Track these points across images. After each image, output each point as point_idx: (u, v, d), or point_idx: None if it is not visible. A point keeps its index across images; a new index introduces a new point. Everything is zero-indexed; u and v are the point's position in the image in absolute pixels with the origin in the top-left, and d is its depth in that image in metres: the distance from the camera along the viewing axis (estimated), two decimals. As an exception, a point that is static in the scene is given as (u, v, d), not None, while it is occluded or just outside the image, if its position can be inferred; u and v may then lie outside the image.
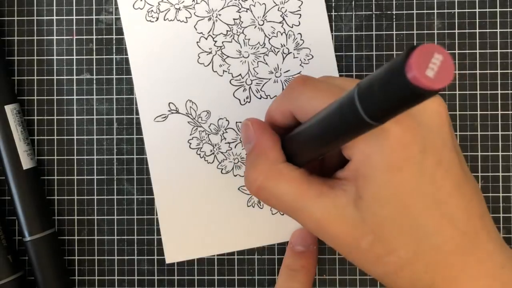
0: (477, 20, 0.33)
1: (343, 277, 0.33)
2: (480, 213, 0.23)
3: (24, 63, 0.33)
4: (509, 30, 0.33)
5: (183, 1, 0.33)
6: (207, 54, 0.33)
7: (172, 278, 0.33)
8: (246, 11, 0.32)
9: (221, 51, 0.33)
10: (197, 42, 0.33)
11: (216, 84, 0.33)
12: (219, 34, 0.33)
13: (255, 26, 0.33)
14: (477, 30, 0.33)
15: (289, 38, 0.32)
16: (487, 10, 0.33)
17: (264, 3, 0.32)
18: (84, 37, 0.33)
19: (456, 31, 0.33)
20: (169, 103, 0.33)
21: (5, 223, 0.33)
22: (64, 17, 0.33)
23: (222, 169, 0.33)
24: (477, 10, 0.33)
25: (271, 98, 0.33)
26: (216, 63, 0.33)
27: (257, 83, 0.33)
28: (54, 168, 0.33)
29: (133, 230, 0.33)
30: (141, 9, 0.33)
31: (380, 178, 0.21)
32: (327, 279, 0.33)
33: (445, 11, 0.33)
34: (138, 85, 0.33)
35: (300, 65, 0.33)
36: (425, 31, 0.33)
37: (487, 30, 0.33)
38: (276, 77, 0.32)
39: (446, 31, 0.33)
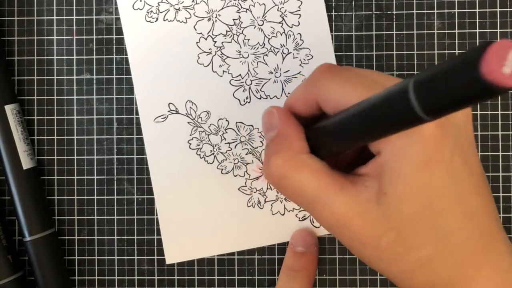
0: (477, 20, 0.33)
1: (343, 277, 0.33)
2: (495, 214, 0.23)
3: (24, 63, 0.33)
4: (509, 30, 0.33)
5: (183, 2, 0.33)
6: (207, 55, 0.33)
7: (172, 278, 0.33)
8: (246, 11, 0.32)
9: (221, 52, 0.33)
10: (197, 42, 0.33)
11: (216, 84, 0.33)
12: (219, 34, 0.33)
13: (255, 27, 0.33)
14: (477, 30, 0.33)
15: (288, 38, 0.32)
16: (487, 10, 0.33)
17: (263, 3, 0.32)
18: (84, 37, 0.33)
19: (456, 31, 0.33)
20: (169, 104, 0.33)
21: (5, 223, 0.33)
22: (64, 17, 0.33)
23: (222, 169, 0.33)
24: (477, 10, 0.33)
25: (270, 99, 0.33)
26: (215, 64, 0.33)
27: (257, 83, 0.33)
28: (54, 168, 0.33)
29: (133, 230, 0.33)
30: (141, 9, 0.33)
31: (409, 173, 0.21)
32: (327, 279, 0.33)
33: (445, 11, 0.33)
34: (138, 85, 0.33)
35: (300, 65, 0.33)
36: (425, 31, 0.33)
37: (487, 30, 0.33)
38: (276, 77, 0.32)
39: (446, 31, 0.33)
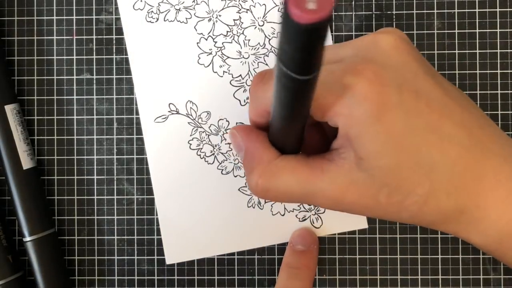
0: (477, 20, 0.33)
1: (343, 277, 0.33)
2: (479, 124, 0.23)
3: (24, 63, 0.33)
4: (509, 30, 0.33)
5: (183, 2, 0.33)
6: (207, 55, 0.33)
7: (172, 278, 0.33)
8: (246, 12, 0.32)
9: (221, 52, 0.33)
10: (197, 42, 0.33)
11: (216, 84, 0.33)
12: (219, 34, 0.33)
13: (255, 27, 0.32)
14: (477, 30, 0.33)
15: None
16: (487, 10, 0.33)
17: (264, 4, 0.32)
18: (84, 37, 0.33)
19: (456, 31, 0.33)
20: (169, 104, 0.33)
21: (5, 223, 0.33)
22: (64, 17, 0.33)
23: (222, 169, 0.33)
24: (477, 10, 0.33)
25: None
26: (216, 64, 0.33)
27: None
28: (54, 168, 0.33)
29: (133, 230, 0.33)
30: (141, 9, 0.33)
31: (369, 131, 0.21)
32: (327, 279, 0.33)
33: (445, 11, 0.33)
34: (138, 85, 0.33)
35: None
36: (425, 31, 0.33)
37: (487, 30, 0.33)
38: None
39: (446, 31, 0.33)
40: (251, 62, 0.33)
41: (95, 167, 0.33)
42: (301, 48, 0.16)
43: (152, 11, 0.33)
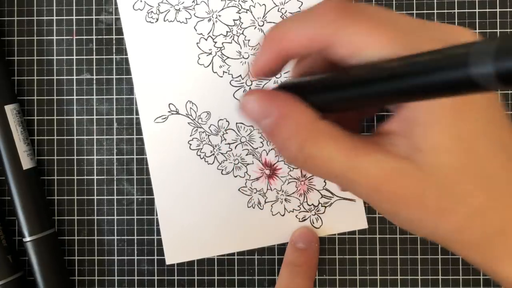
0: (477, 20, 0.33)
1: (343, 277, 0.33)
2: None
3: (24, 63, 0.33)
4: (509, 30, 0.33)
5: (183, 2, 0.32)
6: (207, 55, 0.33)
7: (172, 278, 0.33)
8: (246, 12, 0.32)
9: (221, 52, 0.33)
10: (197, 43, 0.33)
11: (216, 85, 0.33)
12: (219, 35, 0.33)
13: (255, 27, 0.32)
14: (477, 30, 0.33)
15: None
16: (487, 10, 0.33)
17: (264, 4, 0.32)
18: (84, 37, 0.33)
19: (456, 31, 0.33)
20: (169, 104, 0.33)
21: (5, 223, 0.33)
22: (64, 17, 0.33)
23: (222, 170, 0.33)
24: (477, 10, 0.33)
25: None
26: (216, 64, 0.33)
27: (257, 84, 0.33)
28: (54, 168, 0.33)
29: (133, 230, 0.33)
30: (141, 10, 0.32)
31: (444, 123, 0.19)
32: (327, 279, 0.33)
33: (445, 11, 0.33)
34: (138, 86, 0.33)
35: None
36: (425, 31, 0.33)
37: (487, 30, 0.33)
38: (277, 78, 0.32)
39: (446, 31, 0.33)
40: (251, 62, 0.33)
41: (95, 167, 0.33)
42: None
43: (152, 11, 0.33)
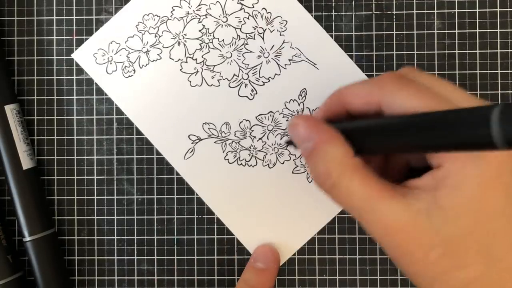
0: (477, 20, 0.33)
1: (343, 277, 0.33)
2: None
3: (24, 63, 0.33)
4: (509, 30, 0.33)
5: (147, 42, 0.33)
6: (196, 74, 0.33)
7: (172, 278, 0.33)
8: (206, 17, 0.33)
9: (206, 65, 0.33)
10: (181, 69, 0.33)
11: (219, 94, 0.33)
12: (195, 51, 0.33)
13: (221, 25, 0.33)
14: (477, 30, 0.33)
15: (256, 18, 0.33)
16: (487, 10, 0.33)
17: (217, 1, 0.33)
18: (84, 37, 0.33)
19: (456, 31, 0.33)
20: (189, 136, 0.33)
21: (5, 223, 0.33)
22: (64, 17, 0.33)
23: (268, 164, 0.33)
24: (477, 10, 0.33)
25: (272, 79, 0.33)
26: (207, 78, 0.33)
27: (253, 73, 0.33)
28: (54, 168, 0.33)
29: (133, 230, 0.33)
30: (115, 71, 0.33)
31: (470, 190, 0.21)
32: (327, 279, 0.33)
33: (445, 11, 0.33)
34: (151, 135, 0.33)
35: (280, 34, 0.33)
36: (425, 31, 0.33)
37: (487, 30, 0.33)
38: (265, 57, 0.33)
39: (446, 31, 0.33)
40: (236, 58, 0.33)
41: (95, 167, 0.33)
42: None
43: (125, 66, 0.33)
